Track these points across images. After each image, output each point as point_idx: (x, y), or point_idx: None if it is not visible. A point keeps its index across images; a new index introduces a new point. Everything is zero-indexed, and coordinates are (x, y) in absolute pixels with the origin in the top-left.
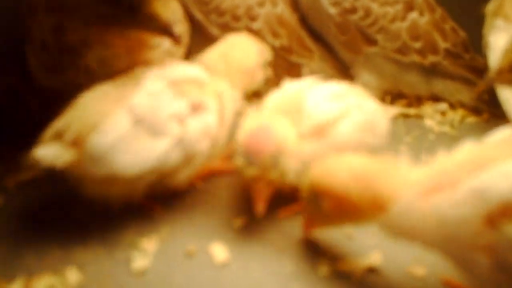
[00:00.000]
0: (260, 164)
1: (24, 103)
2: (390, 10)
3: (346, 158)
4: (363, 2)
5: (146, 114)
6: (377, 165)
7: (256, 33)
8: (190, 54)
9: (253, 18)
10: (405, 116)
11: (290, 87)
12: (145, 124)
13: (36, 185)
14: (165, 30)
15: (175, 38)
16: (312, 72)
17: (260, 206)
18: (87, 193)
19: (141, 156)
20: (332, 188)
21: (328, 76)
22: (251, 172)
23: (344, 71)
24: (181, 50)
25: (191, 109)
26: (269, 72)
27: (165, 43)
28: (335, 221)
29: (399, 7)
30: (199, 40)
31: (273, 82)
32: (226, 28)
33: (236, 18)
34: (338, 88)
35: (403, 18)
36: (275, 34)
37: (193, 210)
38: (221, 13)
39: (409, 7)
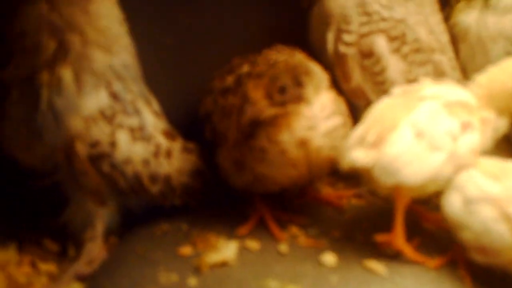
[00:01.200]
0: None
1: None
2: None
3: None
4: None
5: (426, 129)
6: None
7: None
8: None
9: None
10: None
11: None
12: (425, 138)
13: (228, 269)
14: None
15: None
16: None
17: None
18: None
19: (422, 167)
20: None
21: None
22: None
23: None
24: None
25: (462, 128)
26: None
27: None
28: None
29: None
30: None
31: None
32: None
33: None
34: None
35: None
36: None
37: None
38: None
39: None
